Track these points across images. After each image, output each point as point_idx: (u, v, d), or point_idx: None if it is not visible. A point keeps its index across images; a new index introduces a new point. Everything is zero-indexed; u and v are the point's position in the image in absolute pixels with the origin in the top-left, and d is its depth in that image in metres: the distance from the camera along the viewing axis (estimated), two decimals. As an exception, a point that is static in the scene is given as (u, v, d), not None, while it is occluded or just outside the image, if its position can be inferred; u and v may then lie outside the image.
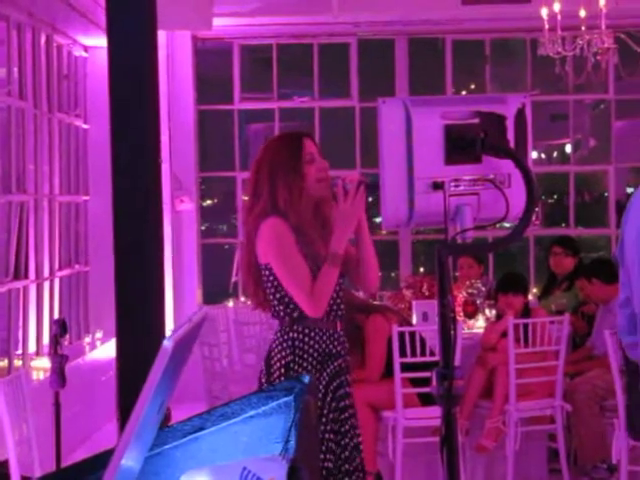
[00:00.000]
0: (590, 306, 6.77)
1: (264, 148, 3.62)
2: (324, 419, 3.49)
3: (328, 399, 3.52)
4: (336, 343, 3.58)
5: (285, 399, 1.82)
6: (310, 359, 3.52)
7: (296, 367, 3.49)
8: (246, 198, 3.65)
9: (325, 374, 3.53)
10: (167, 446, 1.84)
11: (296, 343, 3.51)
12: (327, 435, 3.49)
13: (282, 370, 3.50)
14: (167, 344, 1.37)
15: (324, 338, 3.54)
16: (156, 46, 3.61)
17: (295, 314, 3.51)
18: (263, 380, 3.55)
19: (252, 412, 1.83)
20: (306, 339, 3.52)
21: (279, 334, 3.54)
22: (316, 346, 3.53)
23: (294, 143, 3.56)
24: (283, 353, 3.51)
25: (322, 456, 3.45)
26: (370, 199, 3.62)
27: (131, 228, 3.44)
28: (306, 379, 1.81)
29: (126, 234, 3.44)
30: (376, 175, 2.94)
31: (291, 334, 3.52)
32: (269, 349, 3.59)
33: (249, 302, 3.71)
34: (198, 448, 1.83)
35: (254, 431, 1.81)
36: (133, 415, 1.39)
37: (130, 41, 3.40)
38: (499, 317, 6.24)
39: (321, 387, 3.50)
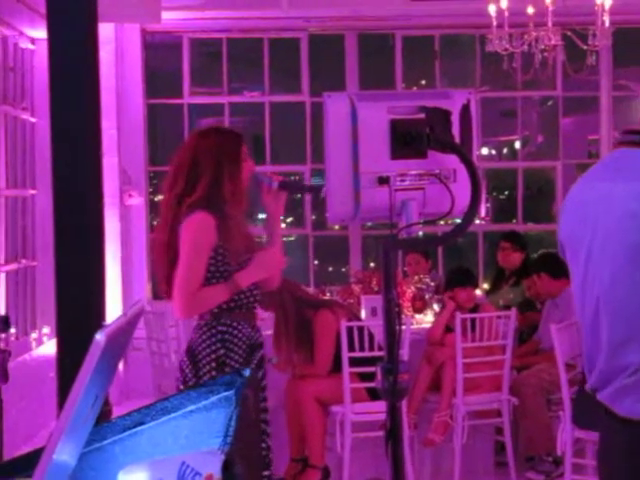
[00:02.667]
0: (532, 314, 6.81)
1: (200, 137, 3.64)
2: None
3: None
4: (258, 334, 3.69)
5: (226, 393, 1.81)
6: (240, 351, 3.59)
7: (228, 360, 3.56)
8: (171, 184, 3.60)
9: (253, 365, 3.61)
10: (106, 441, 1.82)
11: (226, 336, 3.56)
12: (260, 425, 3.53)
13: (213, 364, 3.55)
14: (99, 338, 1.36)
15: (249, 329, 3.62)
16: (96, 38, 3.58)
17: (220, 307, 3.54)
18: (189, 373, 3.56)
19: (192, 406, 1.82)
20: (235, 332, 3.58)
21: (204, 328, 3.57)
22: (244, 338, 3.60)
23: (236, 138, 3.65)
24: (213, 347, 3.55)
25: None
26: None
27: (71, 222, 3.42)
28: (246, 372, 1.81)
29: (66, 228, 3.41)
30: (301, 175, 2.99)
31: (219, 327, 3.57)
32: (192, 342, 3.61)
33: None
34: (137, 443, 1.82)
35: (194, 425, 1.81)
36: (65, 409, 1.37)
37: (70, 33, 3.37)
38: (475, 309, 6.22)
39: None
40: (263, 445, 3.56)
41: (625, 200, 2.43)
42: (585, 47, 6.75)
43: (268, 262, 3.62)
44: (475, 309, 6.18)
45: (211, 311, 3.55)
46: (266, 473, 3.62)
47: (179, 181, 3.56)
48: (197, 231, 3.49)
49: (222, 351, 3.54)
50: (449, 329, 6.09)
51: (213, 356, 3.54)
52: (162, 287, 3.65)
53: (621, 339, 2.44)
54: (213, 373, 3.51)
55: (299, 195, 9.05)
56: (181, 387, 3.58)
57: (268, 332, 5.97)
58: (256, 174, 3.68)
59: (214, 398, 1.81)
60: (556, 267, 6.47)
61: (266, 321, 6.40)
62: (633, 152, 2.54)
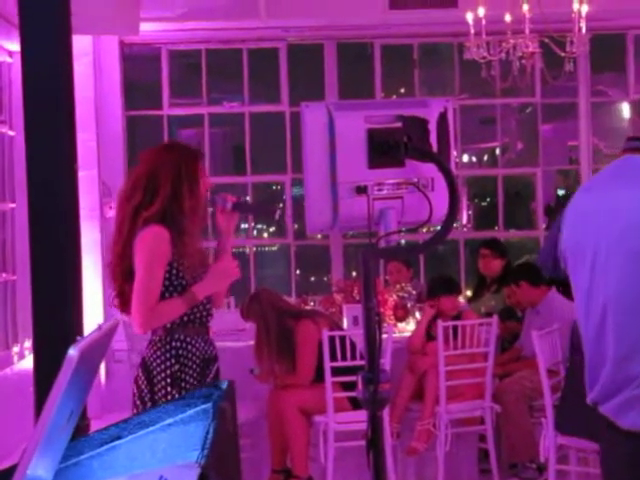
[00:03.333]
0: (512, 323, 6.82)
1: (160, 152, 3.63)
2: None
3: None
4: (212, 347, 3.69)
5: (203, 406, 1.81)
6: (194, 366, 3.60)
7: (183, 375, 3.57)
8: (128, 196, 3.58)
9: (208, 379, 3.62)
10: (83, 456, 1.81)
11: (180, 352, 3.57)
12: None
13: (168, 380, 3.55)
14: (72, 353, 1.35)
15: (202, 344, 3.63)
16: (70, 50, 3.56)
17: (174, 322, 3.54)
18: (144, 389, 3.56)
19: (170, 420, 1.81)
20: (189, 347, 3.58)
21: (158, 344, 3.58)
22: (197, 353, 3.61)
23: (195, 155, 3.67)
24: (167, 363, 3.56)
25: None
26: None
27: (47, 236, 3.40)
28: (224, 385, 1.80)
29: (42, 242, 3.40)
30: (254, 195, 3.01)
31: (173, 343, 3.57)
32: (146, 357, 3.61)
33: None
34: (115, 457, 1.81)
35: (172, 439, 1.79)
36: (39, 424, 1.36)
37: (43, 45, 3.35)
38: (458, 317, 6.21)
39: None
40: None
41: (629, 209, 2.42)
42: (563, 54, 6.77)
43: (223, 273, 3.64)
44: (458, 316, 6.18)
45: (164, 326, 3.56)
46: None
47: (137, 193, 3.55)
48: (152, 245, 3.49)
49: (177, 367, 3.55)
50: (431, 337, 6.09)
51: (168, 372, 3.55)
52: (116, 300, 3.63)
53: (627, 350, 2.43)
54: (168, 389, 3.53)
55: (281, 205, 9.05)
56: (137, 402, 3.58)
57: (250, 342, 5.97)
58: (211, 193, 3.71)
59: (191, 411, 1.80)
60: (535, 275, 6.49)
61: (247, 332, 6.40)
62: (636, 159, 2.53)
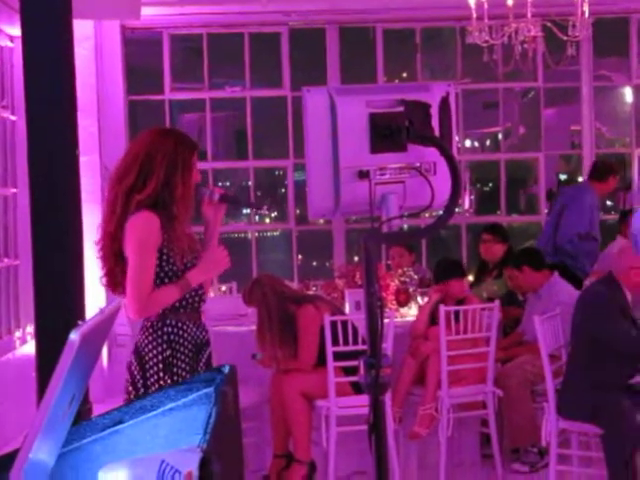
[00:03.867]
0: (514, 308, 6.82)
1: (159, 135, 3.61)
2: None
3: None
4: (204, 332, 3.69)
5: (205, 390, 1.81)
6: (186, 351, 3.60)
7: (175, 361, 3.57)
8: (121, 176, 3.55)
9: (202, 364, 3.62)
10: (85, 440, 1.81)
11: (172, 337, 3.57)
12: None
13: (160, 365, 3.55)
14: (74, 337, 1.35)
15: (194, 329, 3.63)
16: (71, 34, 3.55)
17: (165, 308, 3.56)
18: (137, 374, 3.56)
19: (171, 404, 1.81)
20: (180, 332, 3.59)
21: (150, 329, 3.58)
22: (189, 338, 3.61)
23: (192, 145, 3.65)
24: (159, 348, 3.56)
25: None
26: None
27: (49, 221, 3.39)
28: (226, 369, 1.80)
29: (44, 227, 3.39)
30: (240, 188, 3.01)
31: (165, 328, 3.57)
32: (139, 343, 3.61)
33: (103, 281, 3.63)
34: (117, 441, 1.81)
35: (174, 423, 1.80)
36: (41, 408, 1.36)
37: (44, 30, 3.34)
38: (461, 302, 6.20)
39: None
40: None
41: None
42: (565, 38, 6.76)
43: (214, 261, 3.64)
44: (461, 301, 6.18)
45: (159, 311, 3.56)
46: None
47: (130, 173, 3.53)
48: (142, 231, 3.48)
49: (168, 352, 3.55)
50: (433, 322, 6.09)
51: (160, 357, 3.55)
52: (105, 279, 3.62)
53: None
54: (160, 374, 3.53)
55: (283, 190, 9.03)
56: (130, 388, 3.58)
57: (252, 327, 5.97)
58: (197, 185, 3.69)
59: (193, 395, 1.80)
60: (537, 260, 6.49)
61: (249, 317, 6.40)
62: None
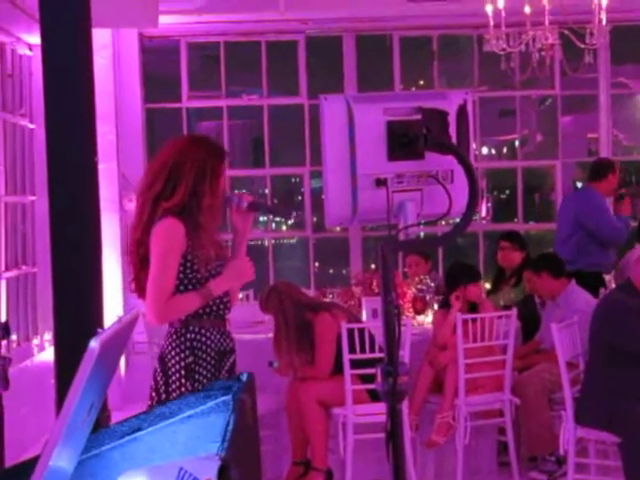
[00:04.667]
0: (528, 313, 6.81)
1: (190, 143, 3.62)
2: None
3: None
4: (228, 340, 3.67)
5: (223, 398, 1.81)
6: (209, 358, 3.59)
7: (197, 367, 3.56)
8: (149, 184, 3.57)
9: (224, 371, 3.61)
10: (104, 447, 1.82)
11: (194, 344, 3.56)
12: None
13: (182, 372, 3.54)
14: (93, 345, 1.36)
15: (218, 336, 3.62)
16: (90, 43, 3.58)
17: (189, 315, 3.56)
18: (160, 381, 3.57)
19: (190, 412, 1.82)
20: (203, 339, 3.57)
21: (174, 336, 3.57)
22: (212, 345, 3.60)
23: (221, 154, 3.66)
24: (182, 355, 3.55)
25: None
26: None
27: (68, 228, 3.41)
28: (244, 377, 1.80)
29: (63, 235, 3.41)
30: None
31: (188, 335, 3.56)
32: (163, 350, 3.62)
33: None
34: (136, 449, 1.81)
35: (192, 431, 1.80)
36: (60, 416, 1.37)
37: (64, 38, 3.36)
38: (474, 309, 6.17)
39: None
40: None
41: None
42: (583, 45, 6.74)
43: (238, 271, 3.63)
44: (475, 306, 6.16)
45: (180, 318, 3.56)
46: None
47: (158, 180, 3.54)
48: (166, 238, 3.49)
49: (191, 358, 3.54)
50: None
51: (182, 364, 3.54)
52: (133, 284, 3.64)
53: None
54: (182, 381, 3.52)
55: (299, 197, 9.04)
56: (153, 394, 3.58)
57: (269, 335, 5.98)
58: (226, 193, 3.70)
59: (212, 403, 1.80)
60: (557, 267, 6.47)
61: (266, 324, 6.41)
62: None
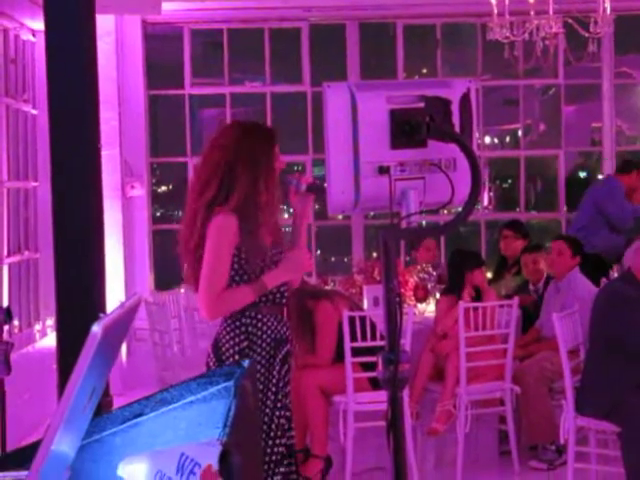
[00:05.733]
0: (525, 297, 6.82)
1: (239, 138, 3.55)
2: (279, 404, 3.52)
3: (281, 384, 3.54)
4: (285, 328, 3.62)
5: (225, 384, 1.82)
6: (264, 345, 3.54)
7: (251, 353, 3.51)
8: (202, 189, 3.53)
9: (278, 359, 3.56)
10: (106, 432, 1.83)
11: (249, 329, 3.53)
12: (281, 420, 3.51)
13: (236, 357, 3.51)
14: (96, 329, 1.36)
15: (275, 323, 3.57)
16: (94, 29, 3.57)
17: None
18: (212, 366, 3.56)
19: (192, 397, 1.82)
20: (259, 324, 3.54)
21: (229, 320, 3.54)
22: (268, 332, 3.55)
23: (270, 140, 3.59)
24: (236, 339, 3.52)
25: (276, 441, 3.49)
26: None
27: (71, 214, 3.41)
28: (245, 363, 1.80)
29: (65, 220, 3.41)
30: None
31: (243, 320, 3.53)
32: (217, 335, 3.59)
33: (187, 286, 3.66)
34: (137, 434, 1.82)
35: (193, 416, 1.81)
36: (62, 401, 1.37)
37: (67, 24, 3.36)
38: (478, 296, 6.18)
39: (274, 372, 3.52)
40: (284, 440, 3.54)
41: None
42: (586, 35, 6.73)
43: (295, 264, 3.58)
44: (478, 294, 6.17)
45: None
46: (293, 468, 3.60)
47: (212, 185, 3.49)
48: (219, 233, 3.45)
49: (245, 343, 3.51)
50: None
51: (236, 349, 3.51)
52: (193, 284, 3.60)
53: None
54: None
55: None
56: None
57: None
58: (284, 176, 3.63)
59: (213, 389, 1.81)
60: (577, 246, 6.51)
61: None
62: None
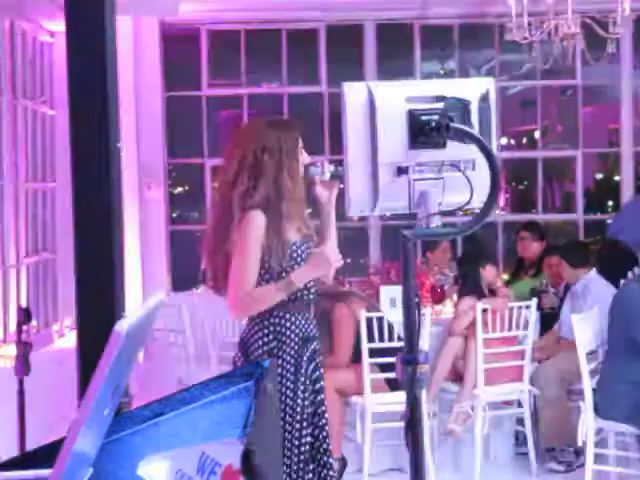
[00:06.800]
0: (546, 297, 6.80)
1: (263, 131, 3.57)
2: (306, 402, 3.53)
3: (308, 382, 3.55)
4: (312, 326, 3.64)
5: (245, 384, 1.81)
6: (292, 344, 3.55)
7: (280, 352, 3.53)
8: (233, 181, 3.54)
9: (305, 357, 3.57)
10: (126, 432, 1.83)
11: (278, 328, 3.54)
12: (306, 416, 3.52)
13: (265, 356, 3.51)
14: (119, 328, 1.36)
15: (302, 322, 3.59)
16: (115, 30, 3.58)
17: None
18: (240, 365, 3.56)
19: (212, 397, 1.82)
20: (287, 324, 3.55)
21: (257, 319, 3.55)
22: (297, 330, 3.57)
23: (294, 132, 3.60)
24: (265, 339, 3.53)
25: (301, 440, 3.49)
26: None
27: (90, 215, 3.42)
28: (266, 363, 1.80)
29: (86, 220, 3.42)
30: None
31: (272, 319, 3.54)
32: (245, 335, 3.60)
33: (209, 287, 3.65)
34: (157, 433, 1.82)
35: (213, 416, 1.81)
36: (85, 400, 1.37)
37: (88, 25, 3.37)
38: (492, 292, 6.21)
39: (302, 370, 3.53)
40: (323, 435, 3.55)
41: None
42: (605, 35, 6.70)
43: (323, 261, 3.57)
44: (492, 291, 6.19)
45: None
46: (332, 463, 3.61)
47: (241, 178, 3.51)
48: (248, 231, 3.47)
49: (274, 343, 3.52)
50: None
51: (265, 348, 3.51)
52: (216, 285, 3.62)
53: None
54: None
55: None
56: None
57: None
58: (307, 168, 3.62)
59: (233, 389, 1.81)
60: (576, 257, 6.45)
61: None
62: None
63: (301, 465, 3.49)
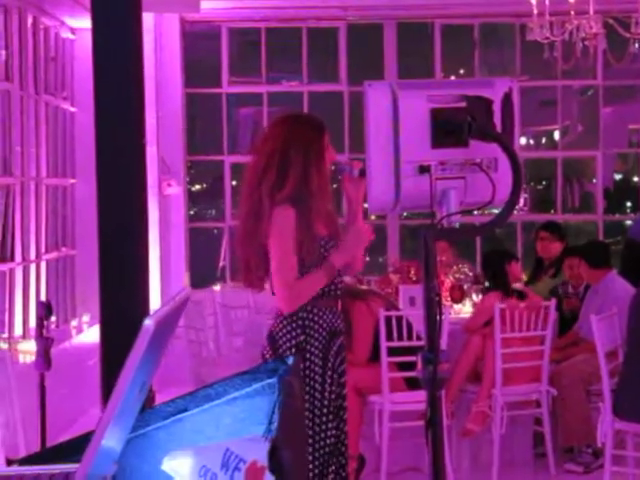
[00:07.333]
0: (570, 300, 6.78)
1: (289, 126, 3.61)
2: (333, 395, 3.57)
3: (335, 376, 3.58)
4: (339, 320, 3.67)
5: (269, 380, 1.82)
6: (320, 337, 3.59)
7: (308, 346, 3.57)
8: (261, 176, 3.57)
9: (332, 351, 3.60)
10: (150, 427, 1.84)
11: (306, 322, 3.57)
12: (332, 409, 3.54)
13: (293, 350, 3.55)
14: (148, 323, 1.37)
15: (330, 316, 3.62)
16: (141, 27, 3.60)
17: None
18: (269, 359, 3.58)
19: (236, 393, 1.83)
20: (315, 318, 3.58)
21: (285, 314, 3.58)
22: (324, 325, 3.60)
23: (321, 129, 3.64)
24: (293, 333, 3.57)
25: (327, 432, 3.51)
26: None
27: (115, 211, 3.43)
28: (290, 360, 1.81)
29: (110, 217, 3.43)
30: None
31: (300, 314, 3.57)
32: (273, 329, 3.63)
33: (234, 283, 3.69)
34: (181, 429, 1.83)
35: (237, 412, 1.81)
36: (114, 395, 1.38)
37: (114, 23, 3.38)
38: (520, 295, 6.20)
39: (329, 364, 3.56)
40: (345, 430, 3.57)
41: None
42: (627, 35, 6.67)
43: (357, 237, 3.62)
44: (522, 294, 6.17)
45: None
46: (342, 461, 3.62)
47: (270, 173, 3.54)
48: (280, 226, 3.50)
49: (302, 337, 3.56)
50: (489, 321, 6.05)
51: (293, 342, 3.55)
52: (246, 280, 3.65)
53: None
54: None
55: (335, 185, 9.03)
56: None
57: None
58: (336, 162, 3.67)
59: (257, 385, 1.81)
60: (596, 257, 6.43)
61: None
62: None
63: (326, 457, 3.52)
